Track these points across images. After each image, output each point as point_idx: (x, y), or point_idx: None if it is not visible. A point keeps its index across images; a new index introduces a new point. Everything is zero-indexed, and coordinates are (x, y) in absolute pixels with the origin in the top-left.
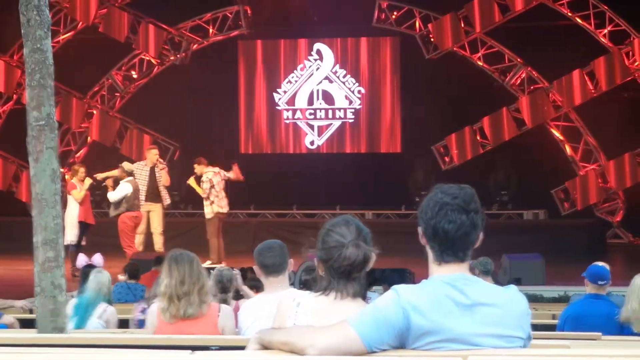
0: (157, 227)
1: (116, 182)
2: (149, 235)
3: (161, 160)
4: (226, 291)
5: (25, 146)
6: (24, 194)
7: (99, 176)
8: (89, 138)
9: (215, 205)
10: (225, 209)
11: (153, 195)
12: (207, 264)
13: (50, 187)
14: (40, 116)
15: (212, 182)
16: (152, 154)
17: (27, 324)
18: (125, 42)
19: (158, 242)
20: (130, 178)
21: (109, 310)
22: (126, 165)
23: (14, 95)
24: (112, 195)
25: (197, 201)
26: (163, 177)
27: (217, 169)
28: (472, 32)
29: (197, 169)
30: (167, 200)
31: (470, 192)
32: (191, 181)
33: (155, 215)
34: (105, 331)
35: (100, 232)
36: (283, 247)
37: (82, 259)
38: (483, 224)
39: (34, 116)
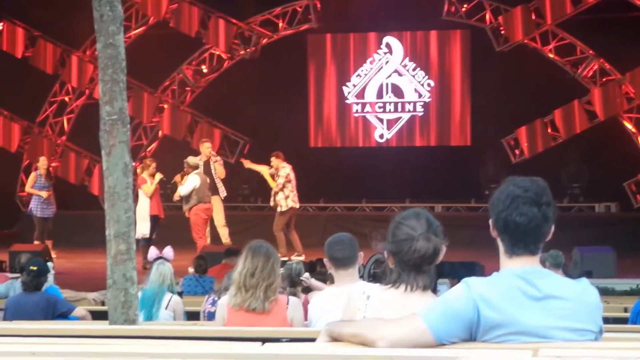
0: (220, 219)
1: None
2: (212, 228)
3: (214, 153)
4: (295, 285)
5: (97, 140)
6: (96, 187)
7: (176, 197)
8: (160, 132)
9: (290, 200)
10: (297, 205)
11: (210, 188)
12: None
13: (122, 180)
14: (112, 110)
15: (289, 178)
16: (205, 147)
17: (98, 315)
18: (195, 37)
19: (224, 235)
20: (198, 171)
21: (174, 300)
22: (191, 159)
23: (87, 90)
24: (182, 189)
25: (267, 194)
26: (218, 170)
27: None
28: (543, 24)
29: (274, 162)
30: (223, 192)
31: (542, 185)
32: (265, 171)
33: (215, 208)
34: (176, 323)
35: (169, 226)
36: (353, 241)
37: (153, 252)
38: (555, 217)
39: (106, 111)
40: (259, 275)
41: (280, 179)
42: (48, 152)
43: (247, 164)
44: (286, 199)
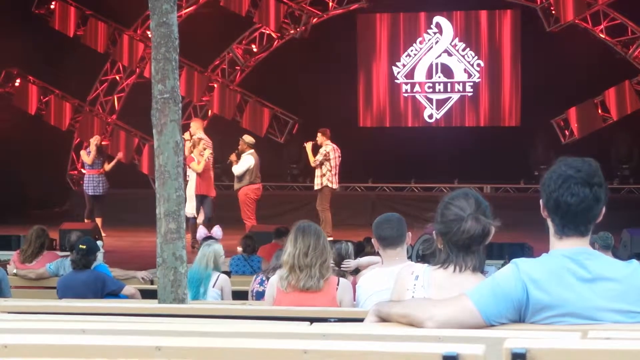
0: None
1: (238, 155)
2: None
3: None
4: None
5: (147, 119)
6: (145, 166)
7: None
8: (209, 111)
9: (325, 178)
10: (334, 186)
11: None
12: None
13: (173, 159)
14: (164, 89)
15: (328, 157)
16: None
17: (148, 294)
18: (245, 16)
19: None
20: (252, 151)
21: (222, 278)
22: (247, 138)
23: (137, 69)
24: (236, 169)
25: (315, 174)
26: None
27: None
28: (594, 4)
29: (319, 138)
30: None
31: (594, 166)
32: (308, 145)
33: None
34: (225, 302)
35: (219, 205)
36: (401, 220)
37: (201, 231)
38: (606, 198)
39: (158, 89)
40: (313, 254)
41: (319, 155)
42: (98, 131)
43: (308, 147)
44: (321, 177)
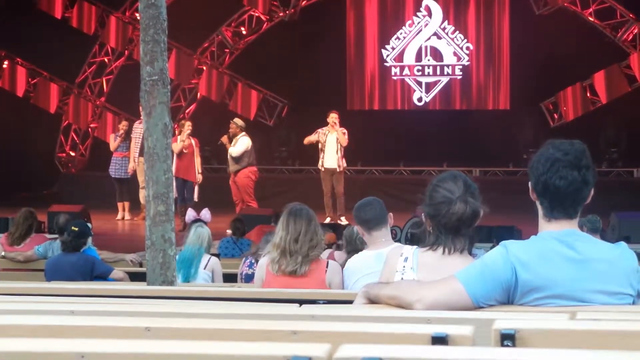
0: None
1: (230, 139)
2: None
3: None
4: (357, 250)
5: (135, 101)
6: None
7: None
8: (198, 94)
9: (321, 160)
10: (326, 166)
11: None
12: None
13: (161, 141)
14: (153, 71)
15: (320, 139)
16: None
17: (136, 277)
18: None
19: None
20: (244, 133)
21: (212, 260)
22: (238, 121)
23: (126, 51)
24: (234, 150)
25: (304, 157)
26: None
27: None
28: None
29: (336, 119)
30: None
31: (581, 148)
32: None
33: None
34: (214, 285)
35: (209, 188)
36: (381, 203)
37: (190, 214)
38: (594, 180)
39: (147, 71)
40: (303, 240)
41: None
42: (87, 113)
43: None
44: (342, 158)
